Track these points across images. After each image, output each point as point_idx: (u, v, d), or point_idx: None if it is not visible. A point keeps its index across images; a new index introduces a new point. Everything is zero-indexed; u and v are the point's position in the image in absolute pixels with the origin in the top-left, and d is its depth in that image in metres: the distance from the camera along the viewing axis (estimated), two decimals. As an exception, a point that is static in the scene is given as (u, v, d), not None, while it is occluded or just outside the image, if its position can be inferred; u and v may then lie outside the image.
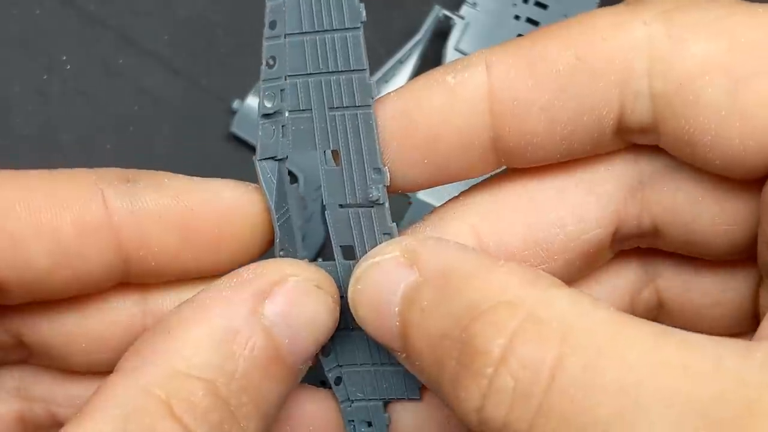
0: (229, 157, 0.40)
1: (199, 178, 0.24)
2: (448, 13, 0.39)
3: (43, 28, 0.42)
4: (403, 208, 0.39)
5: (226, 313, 0.21)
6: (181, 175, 0.24)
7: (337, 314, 0.23)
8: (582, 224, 0.23)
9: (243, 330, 0.21)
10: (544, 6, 0.39)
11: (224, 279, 0.22)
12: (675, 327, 0.27)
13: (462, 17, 0.39)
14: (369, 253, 0.23)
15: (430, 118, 0.22)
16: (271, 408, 0.21)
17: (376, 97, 0.23)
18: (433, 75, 0.23)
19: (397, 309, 0.21)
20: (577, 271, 0.24)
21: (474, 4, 0.39)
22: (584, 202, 0.23)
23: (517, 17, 0.39)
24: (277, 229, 0.24)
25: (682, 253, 0.24)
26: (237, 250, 0.24)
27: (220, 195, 0.23)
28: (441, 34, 0.39)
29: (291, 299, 0.21)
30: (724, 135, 0.20)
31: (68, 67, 0.41)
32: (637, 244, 0.25)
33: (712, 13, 0.20)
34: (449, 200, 0.25)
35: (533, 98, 0.21)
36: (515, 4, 0.39)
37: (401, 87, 0.23)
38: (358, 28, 0.23)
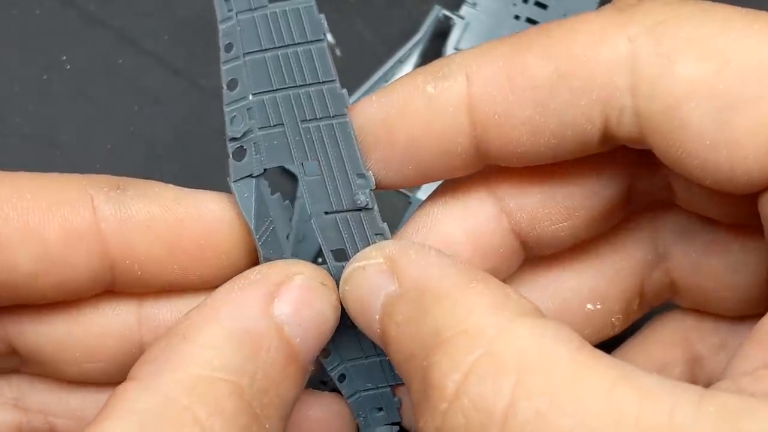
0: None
1: (189, 189, 0.24)
2: (448, 13, 0.39)
3: (43, 28, 0.42)
4: (402, 207, 0.39)
5: (239, 315, 0.21)
6: (171, 186, 0.24)
7: (339, 313, 0.23)
8: (596, 187, 0.23)
9: (258, 330, 0.21)
10: (544, 6, 0.39)
11: (231, 282, 0.22)
12: (687, 309, 0.27)
13: (462, 17, 0.39)
14: (356, 255, 0.24)
15: (410, 127, 0.22)
16: (288, 409, 0.21)
17: (350, 104, 0.23)
18: (413, 81, 0.22)
19: (377, 317, 0.22)
20: (597, 226, 0.24)
21: (474, 4, 0.39)
22: (597, 167, 0.23)
23: (517, 17, 0.39)
24: (259, 248, 0.24)
25: (695, 210, 0.24)
26: (224, 262, 0.24)
27: (209, 207, 0.23)
28: (441, 34, 0.39)
29: (299, 298, 0.22)
30: (712, 160, 0.20)
31: (68, 67, 0.41)
32: (652, 199, 0.25)
33: (703, 30, 0.20)
34: None
35: (514, 112, 0.21)
36: (515, 4, 0.39)
37: (381, 91, 0.23)
38: (322, 40, 0.23)
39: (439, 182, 0.26)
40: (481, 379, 0.18)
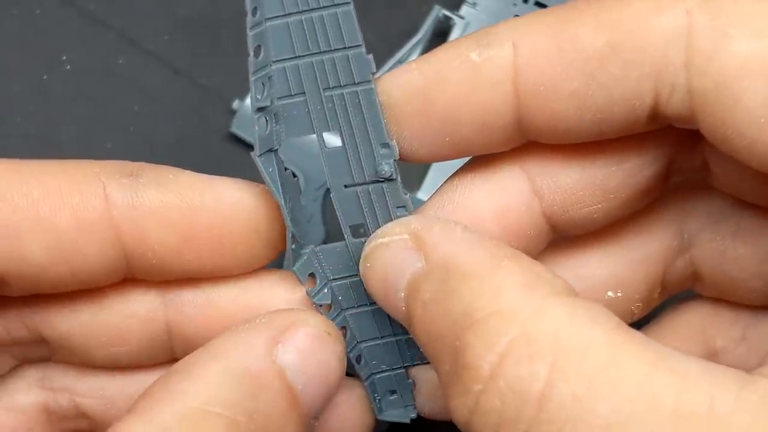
0: (229, 157, 0.40)
1: (204, 175, 0.23)
2: (448, 13, 0.39)
3: (43, 28, 0.42)
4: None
5: (243, 355, 0.20)
6: (186, 172, 0.23)
7: (345, 364, 0.23)
8: (635, 167, 0.23)
9: (260, 371, 0.20)
10: (543, 6, 0.39)
11: (237, 325, 0.22)
12: (710, 299, 0.26)
13: (462, 17, 0.39)
14: (377, 231, 0.23)
15: (451, 97, 0.22)
16: None
17: (381, 73, 0.23)
18: (456, 49, 0.22)
19: (402, 294, 0.21)
20: (632, 207, 0.24)
21: (474, 4, 0.39)
22: (637, 146, 0.23)
23: (516, 17, 0.39)
24: (288, 222, 0.23)
25: (732, 192, 0.23)
26: (241, 252, 0.23)
27: (225, 195, 0.23)
28: (441, 34, 0.39)
29: (304, 346, 0.21)
30: (762, 141, 0.19)
31: (68, 67, 0.41)
32: (685, 180, 0.24)
33: (763, 5, 0.19)
34: None
35: (562, 84, 0.21)
36: (515, 4, 0.39)
37: (421, 59, 0.22)
38: (348, 3, 0.22)
39: (466, 159, 0.25)
40: (517, 361, 0.18)
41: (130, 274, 0.23)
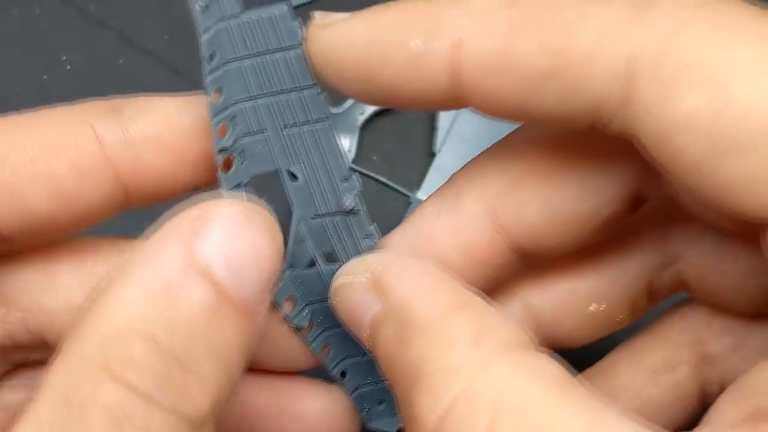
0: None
1: (189, 96, 0.24)
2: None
3: (43, 28, 0.42)
4: (403, 207, 0.39)
5: (157, 265, 0.19)
6: (168, 97, 0.24)
7: (281, 243, 0.21)
8: (600, 200, 0.23)
9: (177, 277, 0.19)
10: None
11: (151, 233, 0.21)
12: (701, 307, 0.26)
13: (462, 17, 0.39)
14: (342, 269, 0.24)
15: (390, 77, 0.21)
16: (231, 352, 0.20)
17: (330, 109, 0.23)
18: (402, 29, 0.21)
19: (366, 334, 0.22)
20: (599, 236, 0.24)
21: None
22: (602, 178, 0.23)
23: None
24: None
25: (701, 219, 0.23)
26: None
27: (206, 112, 0.23)
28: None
29: (222, 237, 0.20)
30: (704, 192, 0.19)
31: (68, 67, 0.41)
32: (662, 204, 0.24)
33: (716, 55, 0.18)
34: (464, 169, 0.24)
35: (501, 93, 0.20)
36: None
37: (370, 24, 0.21)
38: (298, 46, 0.23)
39: (465, 160, 0.25)
40: (458, 419, 0.18)
41: (127, 206, 0.24)
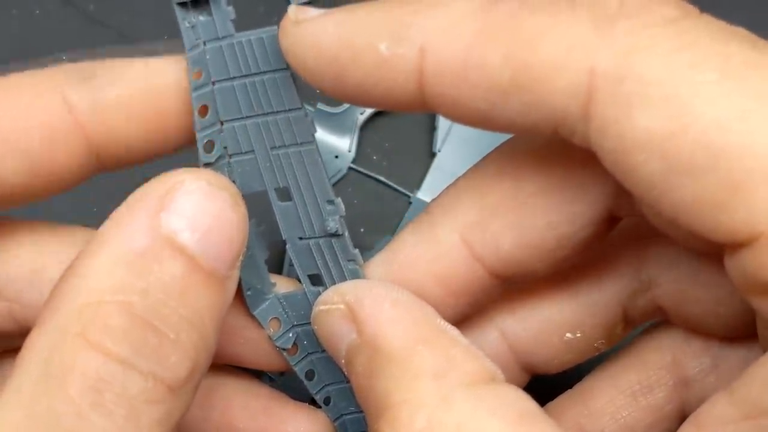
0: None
1: (159, 59, 0.24)
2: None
3: (43, 28, 0.42)
4: (403, 207, 0.39)
5: (126, 237, 0.20)
6: (139, 60, 0.24)
7: (245, 212, 0.22)
8: (573, 225, 0.23)
9: (147, 247, 0.20)
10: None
11: (121, 206, 0.21)
12: (677, 328, 0.26)
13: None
14: (321, 297, 0.24)
15: (360, 78, 0.21)
16: (204, 319, 0.21)
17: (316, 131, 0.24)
18: (370, 30, 0.21)
19: (343, 361, 0.23)
20: (576, 257, 0.24)
21: (474, 4, 0.39)
22: (573, 202, 0.23)
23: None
24: (240, 273, 0.24)
25: (673, 239, 0.23)
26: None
27: (175, 76, 0.23)
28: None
29: (188, 205, 0.21)
30: (661, 212, 0.19)
31: (68, 67, 0.41)
32: (635, 228, 0.25)
33: (674, 75, 0.18)
34: (439, 198, 0.25)
35: (464, 101, 0.21)
36: None
37: (340, 25, 0.21)
38: (286, 68, 0.23)
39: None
40: None
41: (100, 170, 0.24)
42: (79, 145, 0.23)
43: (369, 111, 0.40)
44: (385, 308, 0.22)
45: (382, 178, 0.39)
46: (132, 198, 0.21)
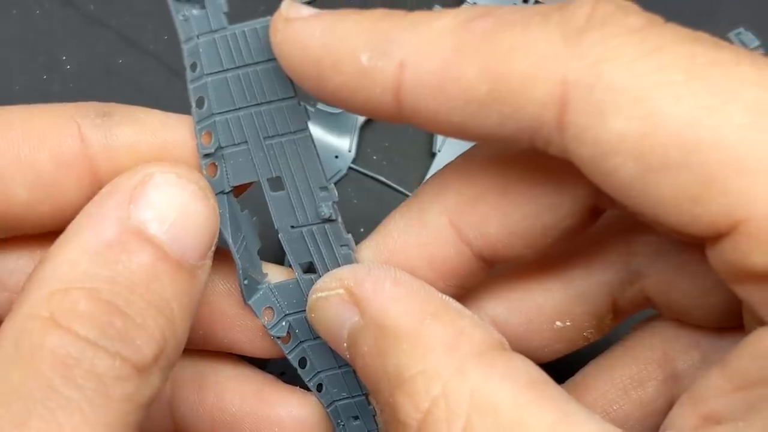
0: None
1: (175, 114, 0.24)
2: (448, 13, 0.39)
3: (43, 28, 0.42)
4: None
5: (95, 228, 0.21)
6: (157, 111, 0.24)
7: (215, 204, 0.23)
8: (557, 215, 0.24)
9: (115, 237, 0.21)
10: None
11: (93, 200, 0.22)
12: (668, 322, 0.26)
13: (462, 17, 0.39)
14: (317, 284, 0.24)
15: (340, 86, 0.22)
16: (172, 307, 0.21)
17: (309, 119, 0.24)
18: (353, 40, 0.21)
19: (345, 345, 0.23)
20: (562, 244, 0.25)
21: (474, 4, 0.39)
22: (556, 194, 0.23)
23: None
24: (237, 260, 0.24)
25: (660, 231, 0.24)
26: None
27: (190, 134, 0.24)
28: (441, 34, 0.39)
29: (156, 196, 0.21)
30: (640, 211, 0.20)
31: (68, 67, 0.41)
32: (622, 218, 0.25)
33: (643, 80, 0.19)
34: (427, 184, 0.25)
35: (442, 115, 0.21)
36: (515, 5, 0.39)
37: (327, 30, 0.21)
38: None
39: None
40: (437, 420, 0.20)
41: None
42: (86, 177, 0.23)
43: (369, 111, 0.40)
44: (386, 287, 0.22)
45: (382, 178, 0.39)
46: (104, 190, 0.22)
